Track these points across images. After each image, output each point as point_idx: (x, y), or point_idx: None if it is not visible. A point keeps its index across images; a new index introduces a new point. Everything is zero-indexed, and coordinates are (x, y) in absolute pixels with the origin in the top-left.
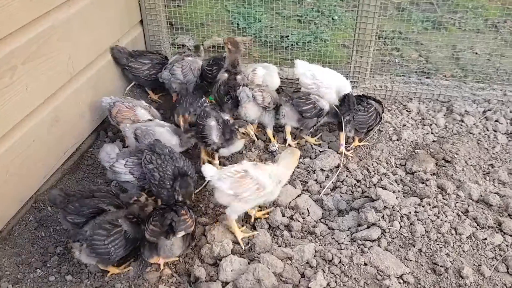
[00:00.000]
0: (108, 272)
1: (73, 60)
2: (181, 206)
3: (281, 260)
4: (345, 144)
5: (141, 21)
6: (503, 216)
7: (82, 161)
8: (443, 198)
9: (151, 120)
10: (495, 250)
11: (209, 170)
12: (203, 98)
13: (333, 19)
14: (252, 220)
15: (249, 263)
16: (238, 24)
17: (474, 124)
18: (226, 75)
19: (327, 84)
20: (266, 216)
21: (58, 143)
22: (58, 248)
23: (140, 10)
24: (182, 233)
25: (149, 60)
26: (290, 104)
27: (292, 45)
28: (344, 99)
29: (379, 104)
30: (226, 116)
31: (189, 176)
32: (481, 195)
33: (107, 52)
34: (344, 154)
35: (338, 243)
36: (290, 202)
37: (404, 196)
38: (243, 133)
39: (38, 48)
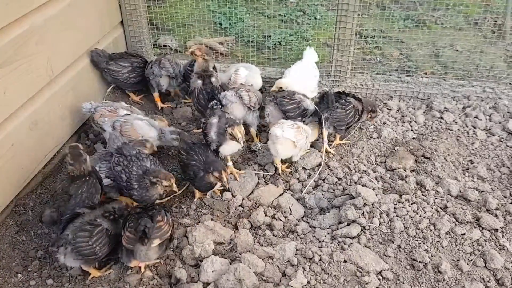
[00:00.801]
0: (90, 274)
1: (52, 63)
2: (158, 211)
3: (262, 259)
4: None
5: (122, 22)
6: (481, 211)
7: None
8: (422, 194)
9: (129, 114)
10: (473, 245)
11: (276, 129)
12: (214, 101)
13: (315, 18)
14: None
15: (230, 263)
16: (220, 24)
17: (453, 120)
18: (199, 81)
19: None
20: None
21: (38, 147)
22: (39, 252)
23: (121, 11)
24: (157, 241)
25: (129, 63)
26: (274, 103)
27: (275, 44)
28: (323, 97)
29: (359, 102)
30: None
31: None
32: (460, 191)
33: (87, 54)
34: (326, 151)
35: (319, 241)
36: (272, 201)
37: (383, 193)
38: (230, 134)
39: (15, 52)
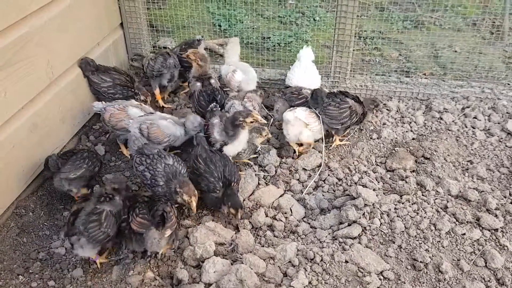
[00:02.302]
0: (91, 273)
1: (52, 65)
2: (164, 202)
3: (264, 260)
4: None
5: (122, 24)
6: (481, 211)
7: None
8: (422, 195)
9: (152, 113)
10: (474, 245)
11: (289, 113)
12: (213, 103)
13: (314, 19)
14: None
15: (232, 264)
16: (220, 25)
17: (452, 121)
18: (198, 84)
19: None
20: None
21: (38, 148)
22: (40, 254)
23: (120, 13)
24: (169, 232)
25: (110, 79)
26: (283, 99)
27: (274, 46)
28: (313, 94)
29: (360, 104)
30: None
31: (182, 174)
32: (460, 191)
33: (88, 55)
34: (326, 150)
35: (320, 242)
36: (273, 202)
37: (384, 194)
38: (252, 122)
39: (15, 54)
